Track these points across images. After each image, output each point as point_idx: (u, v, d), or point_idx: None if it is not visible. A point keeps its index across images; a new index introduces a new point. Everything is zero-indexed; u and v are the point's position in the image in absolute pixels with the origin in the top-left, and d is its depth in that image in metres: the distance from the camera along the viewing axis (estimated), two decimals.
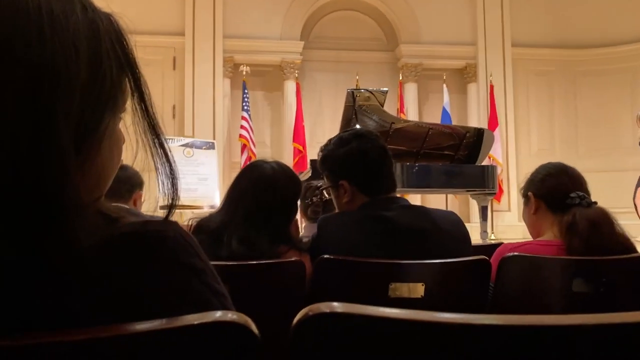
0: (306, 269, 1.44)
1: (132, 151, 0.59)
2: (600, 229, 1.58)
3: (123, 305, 0.50)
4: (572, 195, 1.66)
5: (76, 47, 0.51)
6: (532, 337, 0.52)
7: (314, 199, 2.54)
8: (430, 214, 1.61)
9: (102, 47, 0.55)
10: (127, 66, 0.58)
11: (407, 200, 1.72)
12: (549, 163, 1.85)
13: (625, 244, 1.60)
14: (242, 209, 1.56)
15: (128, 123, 0.59)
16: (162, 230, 0.54)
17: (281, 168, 1.67)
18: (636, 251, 1.60)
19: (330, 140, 1.75)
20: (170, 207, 0.60)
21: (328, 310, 0.52)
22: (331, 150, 1.70)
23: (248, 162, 4.12)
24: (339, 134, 1.78)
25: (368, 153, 1.65)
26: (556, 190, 1.71)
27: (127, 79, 0.58)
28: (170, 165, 0.60)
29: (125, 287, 0.51)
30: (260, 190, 1.58)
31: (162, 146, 0.59)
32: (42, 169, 0.48)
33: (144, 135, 0.58)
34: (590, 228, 1.57)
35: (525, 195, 1.83)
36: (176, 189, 0.60)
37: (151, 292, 0.52)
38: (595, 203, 1.68)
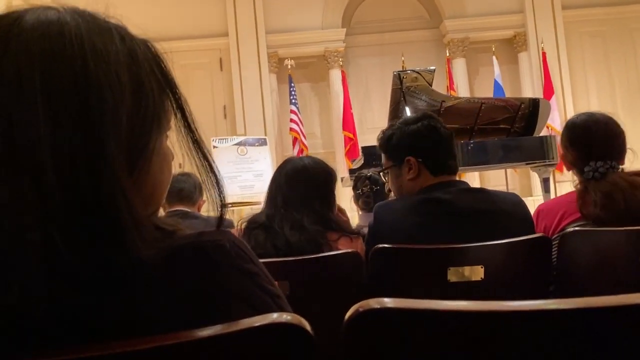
0: (361, 255, 1.48)
1: (183, 165, 0.62)
2: (614, 197, 1.60)
3: (185, 311, 0.53)
4: (586, 169, 1.71)
5: (118, 76, 0.55)
6: (602, 318, 0.51)
7: (364, 189, 2.55)
8: (490, 196, 1.59)
9: (142, 72, 0.58)
10: (167, 87, 0.61)
11: (466, 183, 1.71)
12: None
13: None
14: (281, 198, 1.68)
15: (174, 140, 0.62)
16: (217, 239, 0.57)
17: (312, 159, 1.79)
18: None
19: (393, 123, 1.81)
20: (220, 215, 0.63)
21: (378, 306, 0.52)
22: (398, 128, 1.74)
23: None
24: (404, 117, 1.81)
25: (439, 130, 1.70)
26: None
27: (168, 100, 0.61)
28: (215, 175, 0.62)
29: (186, 294, 0.53)
30: (293, 178, 1.71)
31: (206, 159, 0.62)
32: (100, 189, 0.51)
33: (189, 150, 0.61)
34: (604, 198, 1.60)
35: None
36: (223, 197, 0.63)
37: (211, 298, 0.54)
38: (613, 168, 1.68)
